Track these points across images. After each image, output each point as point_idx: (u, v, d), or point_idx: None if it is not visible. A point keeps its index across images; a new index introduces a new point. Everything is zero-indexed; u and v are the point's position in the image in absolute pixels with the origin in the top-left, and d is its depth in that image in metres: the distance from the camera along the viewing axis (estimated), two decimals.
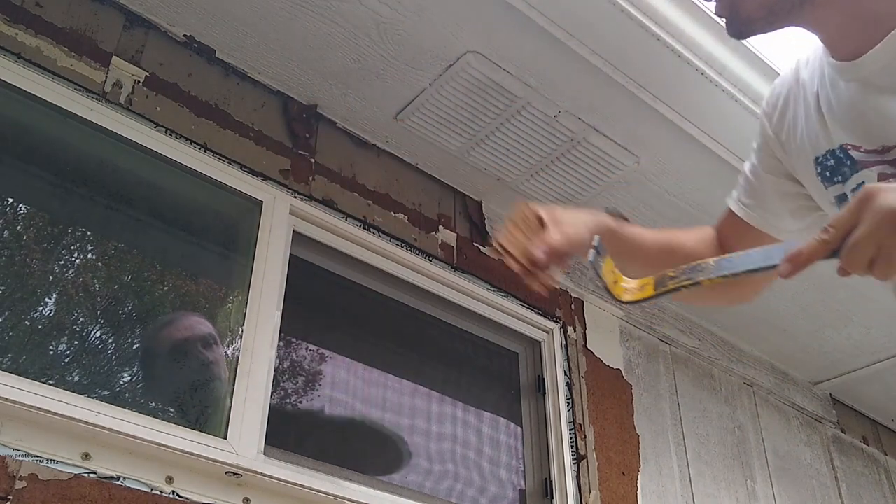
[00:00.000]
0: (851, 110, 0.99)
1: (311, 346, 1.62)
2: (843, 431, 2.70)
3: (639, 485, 1.92)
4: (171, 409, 1.35)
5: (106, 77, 1.44)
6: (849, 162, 1.00)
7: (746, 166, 1.20)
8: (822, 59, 1.01)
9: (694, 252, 1.36)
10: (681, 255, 1.37)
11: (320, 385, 1.61)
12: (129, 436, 1.14)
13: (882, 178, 0.94)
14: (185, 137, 1.49)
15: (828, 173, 1.03)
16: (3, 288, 1.24)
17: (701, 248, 1.37)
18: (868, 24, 0.92)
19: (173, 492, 1.17)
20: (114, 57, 1.47)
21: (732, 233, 1.22)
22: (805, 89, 1.06)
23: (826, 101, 1.02)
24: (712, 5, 1.05)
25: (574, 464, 1.79)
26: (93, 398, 1.19)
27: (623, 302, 1.08)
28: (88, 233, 1.42)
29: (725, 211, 1.24)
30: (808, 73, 1.05)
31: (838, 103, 1.00)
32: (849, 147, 0.99)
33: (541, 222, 1.12)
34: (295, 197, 1.60)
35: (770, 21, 0.98)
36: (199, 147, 1.50)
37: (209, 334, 1.42)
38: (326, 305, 1.69)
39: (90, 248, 1.41)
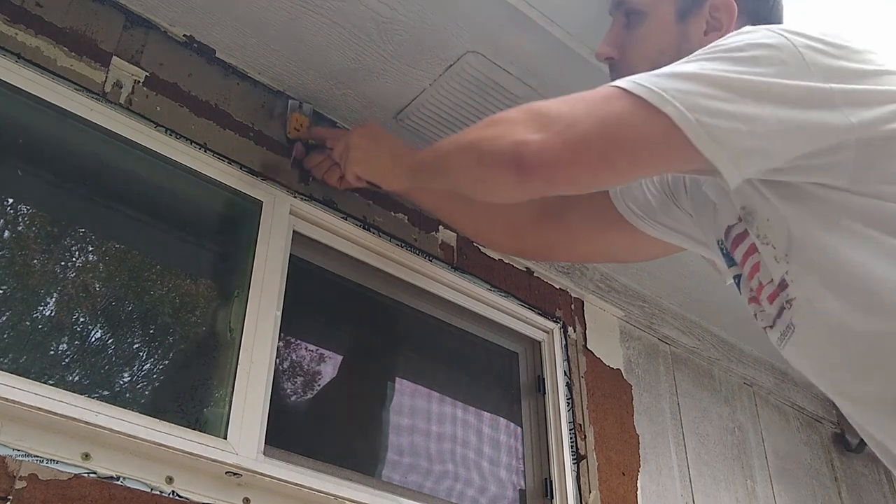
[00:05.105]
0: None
1: (311, 346, 1.62)
2: (843, 431, 2.70)
3: (639, 485, 1.92)
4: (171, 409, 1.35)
5: (106, 77, 1.44)
6: (729, 255, 1.18)
7: (650, 189, 1.40)
8: None
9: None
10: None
11: (320, 385, 1.61)
12: (129, 436, 1.14)
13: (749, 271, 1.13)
14: (185, 137, 1.49)
15: (725, 260, 1.20)
16: (3, 288, 1.25)
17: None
18: None
19: (173, 492, 1.17)
20: (114, 57, 1.47)
21: (595, 212, 1.46)
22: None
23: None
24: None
25: (574, 464, 1.79)
26: (93, 398, 1.19)
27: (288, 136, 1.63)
28: (89, 233, 1.42)
29: (597, 196, 1.46)
30: None
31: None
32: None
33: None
34: (295, 197, 1.60)
35: None
36: (199, 147, 1.50)
37: None
38: (326, 305, 1.69)
39: (90, 248, 1.41)
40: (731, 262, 1.17)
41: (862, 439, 2.75)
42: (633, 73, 1.05)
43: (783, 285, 1.03)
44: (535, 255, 1.80)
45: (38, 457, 1.07)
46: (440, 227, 1.87)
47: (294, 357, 1.59)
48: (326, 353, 1.64)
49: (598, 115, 1.02)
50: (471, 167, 1.17)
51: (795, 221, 1.01)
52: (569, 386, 1.90)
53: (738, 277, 1.16)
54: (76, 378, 1.27)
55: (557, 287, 2.06)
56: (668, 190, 1.38)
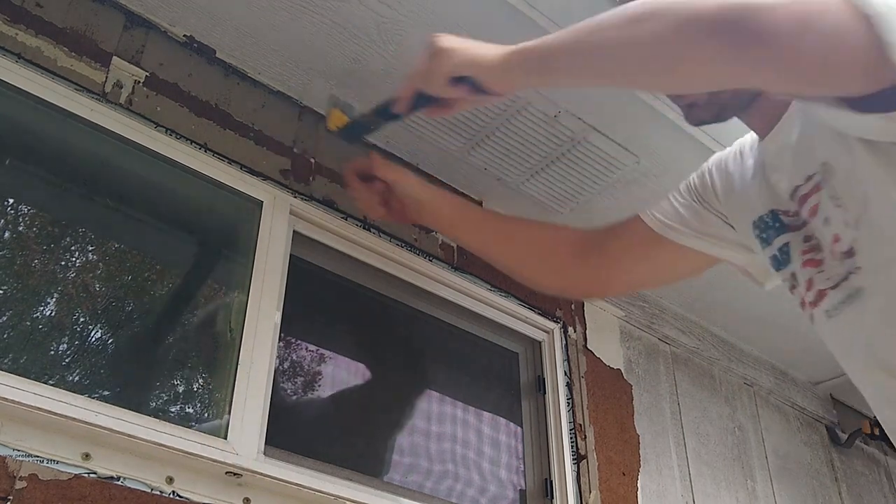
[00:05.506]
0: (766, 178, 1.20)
1: (311, 347, 1.62)
2: (843, 431, 2.70)
3: (639, 485, 1.92)
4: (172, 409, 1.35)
5: (106, 77, 1.44)
6: (777, 225, 1.15)
7: (678, 199, 1.38)
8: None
9: (537, 235, 1.53)
10: (523, 237, 1.52)
11: (320, 385, 1.61)
12: (129, 436, 1.14)
13: (806, 239, 1.10)
14: (185, 137, 1.49)
15: (763, 235, 1.19)
16: (4, 288, 1.25)
17: (548, 234, 1.55)
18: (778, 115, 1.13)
19: (173, 492, 1.17)
20: (114, 57, 1.47)
21: (632, 235, 1.41)
22: (745, 160, 1.26)
23: (758, 170, 1.21)
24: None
25: (574, 464, 1.79)
26: (93, 398, 1.19)
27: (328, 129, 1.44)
28: (89, 233, 1.42)
29: (630, 219, 1.41)
30: (749, 148, 1.26)
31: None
32: (779, 212, 1.15)
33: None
34: (295, 197, 1.60)
35: (719, 120, 1.21)
36: (199, 147, 1.51)
37: None
38: (326, 305, 1.69)
39: (90, 248, 1.41)
40: (777, 232, 1.14)
41: (851, 435, 2.70)
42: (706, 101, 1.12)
43: (850, 253, 1.02)
44: (577, 289, 1.68)
45: (38, 457, 1.07)
46: None
47: (294, 357, 1.59)
48: (326, 353, 1.64)
49: (815, 4, 0.91)
50: (676, 40, 0.95)
51: (876, 185, 0.98)
52: (569, 386, 1.90)
53: (786, 245, 1.14)
54: (76, 378, 1.27)
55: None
56: (695, 195, 1.37)
